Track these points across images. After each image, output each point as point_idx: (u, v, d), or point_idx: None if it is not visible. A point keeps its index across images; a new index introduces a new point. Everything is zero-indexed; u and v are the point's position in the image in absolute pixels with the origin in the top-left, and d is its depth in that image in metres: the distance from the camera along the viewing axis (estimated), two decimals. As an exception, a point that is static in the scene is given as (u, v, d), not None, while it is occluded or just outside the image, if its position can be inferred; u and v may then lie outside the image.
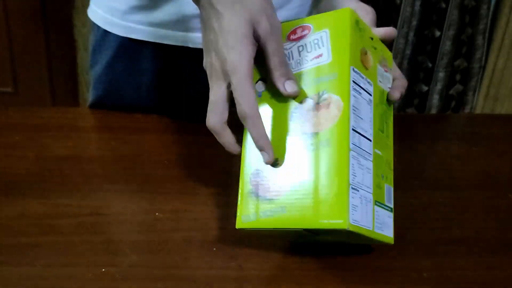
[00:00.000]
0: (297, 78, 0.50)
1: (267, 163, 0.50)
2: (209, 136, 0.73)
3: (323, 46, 0.50)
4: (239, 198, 0.50)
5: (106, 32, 0.75)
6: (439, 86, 1.85)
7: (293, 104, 0.50)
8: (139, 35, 0.73)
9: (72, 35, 1.98)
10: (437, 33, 1.77)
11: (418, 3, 1.73)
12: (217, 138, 0.52)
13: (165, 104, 0.79)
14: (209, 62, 0.51)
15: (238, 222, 0.50)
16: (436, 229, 0.59)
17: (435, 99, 1.87)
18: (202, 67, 0.52)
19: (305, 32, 0.51)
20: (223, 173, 0.66)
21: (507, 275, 0.53)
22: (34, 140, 0.70)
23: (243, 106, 0.48)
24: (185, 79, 0.77)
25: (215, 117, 0.50)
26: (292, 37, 0.52)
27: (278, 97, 0.51)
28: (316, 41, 0.51)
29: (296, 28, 0.52)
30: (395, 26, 1.75)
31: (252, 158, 0.50)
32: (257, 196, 0.49)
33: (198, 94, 0.78)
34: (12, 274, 0.50)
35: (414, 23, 1.76)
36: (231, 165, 0.67)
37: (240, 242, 0.55)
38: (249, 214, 0.49)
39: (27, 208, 0.58)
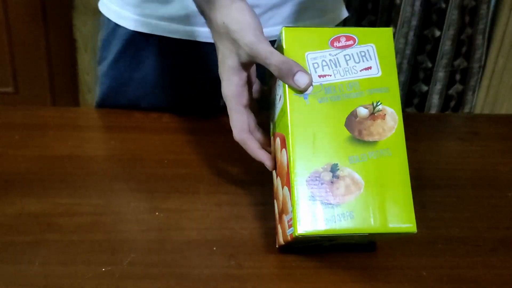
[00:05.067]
0: (346, 86, 0.51)
1: (270, 170, 0.55)
2: (209, 135, 0.73)
3: (371, 59, 0.52)
4: (295, 205, 0.48)
5: (116, 26, 0.76)
6: (438, 86, 1.85)
7: (345, 110, 0.51)
8: (148, 29, 0.73)
9: (72, 35, 1.98)
10: (437, 33, 1.77)
11: (418, 3, 1.73)
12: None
13: (169, 101, 0.79)
14: None
15: (299, 229, 0.47)
16: (435, 228, 0.59)
17: (434, 99, 1.87)
18: (211, 60, 0.55)
19: (350, 42, 0.53)
20: (224, 173, 0.66)
21: (506, 274, 0.53)
22: (34, 139, 0.70)
23: (233, 133, 0.55)
24: (193, 73, 0.77)
25: (235, 130, 0.55)
26: (337, 44, 0.52)
27: (327, 102, 0.51)
28: (363, 53, 0.52)
29: (339, 36, 0.53)
30: (395, 26, 1.75)
31: (306, 162, 0.49)
32: (317, 201, 0.48)
33: (206, 88, 0.78)
34: (11, 272, 0.50)
35: (414, 23, 1.76)
36: (231, 165, 0.67)
37: (240, 241, 0.55)
38: (312, 220, 0.48)
39: (26, 207, 0.58)
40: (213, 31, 0.56)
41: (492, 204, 0.64)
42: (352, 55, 0.52)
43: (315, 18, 0.76)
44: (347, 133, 0.50)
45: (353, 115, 0.51)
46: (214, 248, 0.54)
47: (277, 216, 0.54)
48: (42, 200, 0.59)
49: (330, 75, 0.51)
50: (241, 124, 0.55)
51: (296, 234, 0.47)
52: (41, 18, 1.95)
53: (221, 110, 0.75)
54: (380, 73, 0.52)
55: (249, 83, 0.56)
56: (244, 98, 0.55)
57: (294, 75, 0.50)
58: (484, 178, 0.69)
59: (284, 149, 0.51)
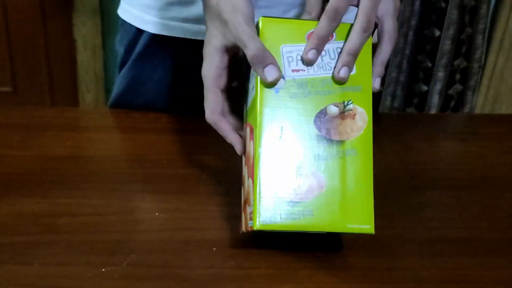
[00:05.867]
0: (318, 82, 0.50)
1: (240, 154, 0.54)
2: (209, 135, 0.73)
3: None
4: (257, 198, 0.48)
5: (138, 31, 0.76)
6: (438, 86, 1.85)
7: (315, 107, 0.50)
8: (172, 32, 0.73)
9: (72, 35, 1.98)
10: (437, 33, 1.77)
11: (418, 3, 1.73)
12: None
13: (184, 102, 0.79)
14: None
15: (258, 223, 0.48)
16: (434, 228, 0.59)
17: (434, 99, 1.87)
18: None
19: None
20: (223, 173, 0.66)
21: (505, 275, 0.53)
22: (33, 140, 0.70)
23: (206, 113, 0.55)
24: None
25: (207, 111, 0.55)
26: None
27: (298, 97, 0.50)
28: (339, 50, 0.51)
29: None
30: (394, 26, 1.75)
31: (271, 157, 0.49)
32: (278, 197, 0.48)
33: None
34: (10, 273, 0.50)
35: (414, 22, 1.76)
36: (231, 165, 0.67)
37: (240, 242, 0.55)
38: (271, 216, 0.48)
39: (25, 207, 0.58)
40: (205, 12, 0.55)
41: (491, 205, 0.64)
42: (328, 51, 0.51)
43: None
44: (315, 130, 0.50)
45: (322, 112, 0.50)
46: (214, 249, 0.54)
47: (242, 203, 0.54)
48: (42, 200, 0.59)
49: (304, 70, 0.50)
50: (214, 105, 0.54)
51: (255, 228, 0.48)
52: (40, 18, 1.95)
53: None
54: (354, 71, 0.51)
55: (230, 71, 0.55)
56: (222, 81, 0.54)
57: (265, 66, 0.50)
58: (484, 178, 0.69)
59: (251, 141, 0.51)
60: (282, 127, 0.50)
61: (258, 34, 0.51)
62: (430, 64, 1.82)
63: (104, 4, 1.93)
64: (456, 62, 1.83)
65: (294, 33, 0.51)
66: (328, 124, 0.50)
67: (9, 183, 0.62)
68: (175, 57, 0.77)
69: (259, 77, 0.50)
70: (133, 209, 0.59)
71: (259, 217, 0.48)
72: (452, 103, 1.90)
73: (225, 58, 0.54)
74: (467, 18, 1.77)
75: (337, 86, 0.51)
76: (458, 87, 1.87)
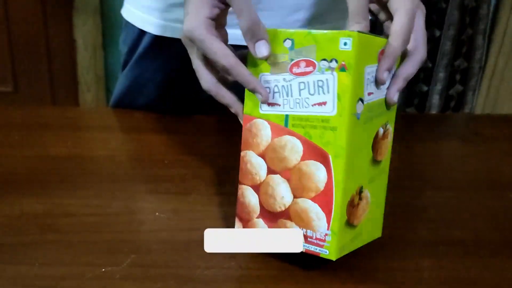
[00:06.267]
0: (377, 105, 0.48)
1: (263, 102, 0.48)
2: (209, 136, 0.73)
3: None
4: (337, 230, 0.47)
5: (140, 31, 0.76)
6: (439, 86, 1.85)
7: (374, 131, 0.49)
8: (174, 33, 0.74)
9: (72, 34, 1.98)
10: (437, 33, 1.77)
11: (418, 3, 1.73)
12: (218, 100, 0.52)
13: (185, 102, 0.79)
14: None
15: (336, 253, 0.47)
16: (436, 229, 0.59)
17: (435, 99, 1.87)
18: None
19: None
20: (223, 173, 0.66)
21: (507, 276, 0.53)
22: (33, 139, 0.70)
23: (220, 61, 0.47)
24: None
25: (204, 81, 0.51)
26: (380, 57, 0.48)
27: (367, 122, 0.47)
28: None
29: (384, 49, 0.47)
30: (395, 26, 1.75)
31: (348, 186, 0.46)
32: (347, 225, 0.48)
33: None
34: (11, 273, 0.50)
35: (414, 23, 1.75)
36: (231, 165, 0.67)
37: (240, 242, 0.55)
38: (345, 244, 0.48)
39: (26, 207, 0.58)
40: None
41: (493, 205, 0.64)
42: None
43: (340, 19, 0.76)
44: (371, 153, 0.49)
45: (376, 135, 0.49)
46: (214, 249, 0.54)
47: (253, 209, 0.51)
48: (42, 200, 0.59)
49: (373, 93, 0.47)
50: (224, 48, 0.48)
51: (333, 259, 0.48)
52: (41, 17, 1.95)
53: (223, 111, 0.75)
54: None
55: (223, 31, 0.52)
56: (215, 31, 0.49)
57: (257, 40, 0.47)
58: (485, 179, 0.69)
59: (321, 165, 0.46)
60: (356, 154, 0.47)
61: (350, 49, 0.44)
62: (430, 65, 1.82)
63: (105, 4, 1.93)
64: (457, 63, 1.83)
65: (371, 51, 0.46)
66: (377, 146, 0.50)
67: (9, 183, 0.62)
68: (177, 58, 0.77)
69: (348, 100, 0.44)
70: (133, 209, 0.59)
71: (338, 248, 0.47)
72: (453, 104, 1.90)
73: (214, 11, 0.49)
74: (467, 19, 1.77)
75: (383, 108, 0.49)
76: (458, 87, 1.87)
